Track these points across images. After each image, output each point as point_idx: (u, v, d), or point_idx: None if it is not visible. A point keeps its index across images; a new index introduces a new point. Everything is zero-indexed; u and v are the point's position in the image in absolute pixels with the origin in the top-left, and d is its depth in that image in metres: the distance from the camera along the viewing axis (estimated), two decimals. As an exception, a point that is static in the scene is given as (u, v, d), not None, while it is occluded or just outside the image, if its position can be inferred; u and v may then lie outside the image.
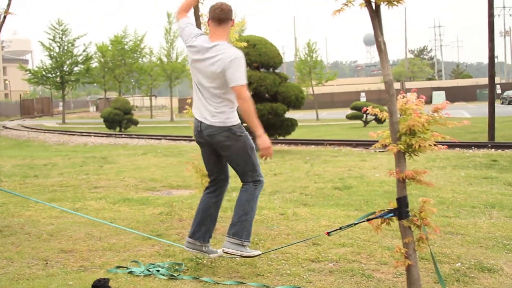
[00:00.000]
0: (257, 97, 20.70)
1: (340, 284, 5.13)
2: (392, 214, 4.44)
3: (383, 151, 17.89)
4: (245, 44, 7.85)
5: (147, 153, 21.75)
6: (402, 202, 4.39)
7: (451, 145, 19.67)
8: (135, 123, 45.60)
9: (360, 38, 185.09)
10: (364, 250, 6.23)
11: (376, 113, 4.63)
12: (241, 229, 5.53)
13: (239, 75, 5.32)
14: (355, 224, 4.89)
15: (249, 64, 20.09)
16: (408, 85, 74.56)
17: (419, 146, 4.20)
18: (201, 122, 5.53)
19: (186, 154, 20.26)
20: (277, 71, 21.64)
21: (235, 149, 5.54)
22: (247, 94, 5.31)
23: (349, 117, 39.48)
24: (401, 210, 4.39)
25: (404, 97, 4.47)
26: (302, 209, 8.87)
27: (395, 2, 4.22)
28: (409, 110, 4.34)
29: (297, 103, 20.44)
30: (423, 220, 4.38)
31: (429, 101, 68.13)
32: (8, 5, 8.12)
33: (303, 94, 20.78)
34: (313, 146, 22.58)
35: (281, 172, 13.72)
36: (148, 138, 33.26)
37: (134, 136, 35.31)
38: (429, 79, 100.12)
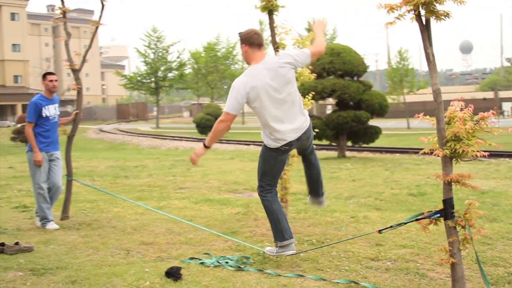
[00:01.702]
0: (341, 104, 21.05)
1: (393, 280, 5.46)
2: (438, 215, 4.74)
3: (466, 160, 17.80)
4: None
5: (234, 158, 22.39)
6: (448, 203, 4.69)
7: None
8: (226, 128, 46.48)
9: (457, 45, 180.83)
10: (423, 252, 6.51)
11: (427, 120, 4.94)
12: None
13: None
14: (405, 223, 5.21)
15: (333, 72, 20.46)
16: (503, 94, 72.76)
17: (462, 151, 4.48)
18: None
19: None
20: (361, 79, 21.88)
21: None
22: None
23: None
24: (447, 211, 4.68)
25: (453, 105, 4.77)
26: (374, 213, 9.18)
27: (443, 17, 4.54)
28: (456, 117, 4.64)
29: (380, 111, 20.61)
30: (468, 221, 4.65)
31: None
32: (100, 17, 8.84)
33: (387, 102, 20.92)
34: (398, 154, 22.67)
35: (360, 178, 14.00)
36: (237, 144, 34.00)
37: (224, 141, 36.12)
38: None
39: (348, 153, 22.50)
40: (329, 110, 51.30)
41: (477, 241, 6.91)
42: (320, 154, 23.92)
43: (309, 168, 6.54)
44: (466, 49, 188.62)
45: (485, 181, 12.79)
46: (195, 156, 6.05)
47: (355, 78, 21.08)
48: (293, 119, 5.94)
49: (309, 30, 57.10)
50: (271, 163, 6.11)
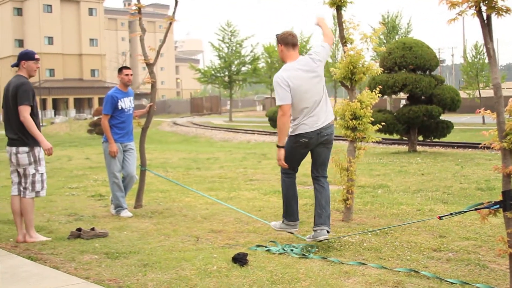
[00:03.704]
0: (412, 99, 20.95)
1: (454, 270, 5.57)
2: (497, 206, 4.84)
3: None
4: (384, 49, 8.43)
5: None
6: (507, 195, 4.77)
7: None
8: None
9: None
10: (486, 244, 6.58)
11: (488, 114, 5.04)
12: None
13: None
14: (465, 211, 5.31)
15: (404, 66, 20.36)
16: None
17: (520, 144, 4.56)
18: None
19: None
20: (435, 73, 21.69)
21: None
22: None
23: (518, 121, 38.09)
24: (505, 202, 4.77)
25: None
26: (440, 206, 9.23)
27: (503, 13, 4.63)
28: (515, 111, 4.71)
29: (452, 105, 20.36)
30: (527, 213, 4.73)
31: None
32: (174, 13, 9.16)
33: (459, 97, 20.64)
34: (470, 149, 22.36)
35: (429, 173, 13.97)
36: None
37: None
38: None
39: (419, 148, 22.35)
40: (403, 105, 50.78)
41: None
42: (390, 148, 23.88)
43: (320, 192, 6.84)
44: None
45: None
46: (280, 161, 6.62)
47: (427, 73, 20.92)
48: (319, 113, 6.49)
49: (383, 23, 56.67)
50: (293, 153, 6.61)
